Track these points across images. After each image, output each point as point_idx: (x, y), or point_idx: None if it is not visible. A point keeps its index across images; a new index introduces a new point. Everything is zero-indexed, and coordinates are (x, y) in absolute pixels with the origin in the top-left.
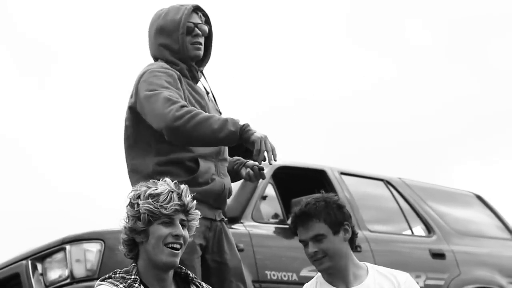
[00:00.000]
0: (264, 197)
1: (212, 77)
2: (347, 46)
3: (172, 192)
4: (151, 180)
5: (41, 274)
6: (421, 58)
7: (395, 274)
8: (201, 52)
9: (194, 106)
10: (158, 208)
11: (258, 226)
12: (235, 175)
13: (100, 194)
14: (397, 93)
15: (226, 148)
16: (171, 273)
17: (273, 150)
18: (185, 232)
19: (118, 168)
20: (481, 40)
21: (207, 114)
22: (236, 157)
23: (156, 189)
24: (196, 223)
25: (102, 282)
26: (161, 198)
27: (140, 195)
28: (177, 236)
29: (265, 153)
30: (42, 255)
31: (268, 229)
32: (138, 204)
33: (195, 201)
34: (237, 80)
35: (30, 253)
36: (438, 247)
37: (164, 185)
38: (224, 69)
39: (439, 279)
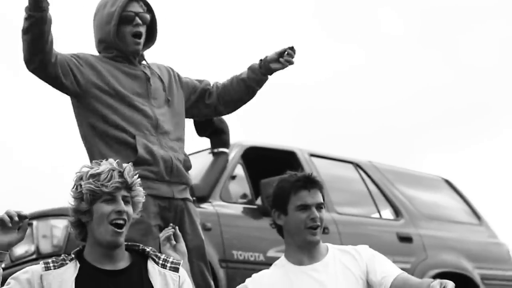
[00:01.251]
0: (233, 177)
1: (187, 58)
2: (317, 33)
3: (113, 170)
4: (94, 161)
5: None
6: (393, 47)
7: (354, 247)
8: (140, 46)
9: (117, 87)
10: (99, 187)
11: (226, 206)
12: (245, 89)
13: (68, 171)
14: (368, 80)
15: (167, 121)
16: (120, 250)
17: None
18: (128, 208)
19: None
20: (453, 31)
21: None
22: (236, 76)
23: (97, 169)
24: (140, 199)
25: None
26: (102, 176)
27: (83, 176)
28: (119, 212)
29: None
30: None
31: (236, 209)
32: (80, 185)
33: (138, 179)
34: (211, 61)
35: None
36: (406, 230)
37: (106, 164)
38: (198, 50)
39: (406, 262)
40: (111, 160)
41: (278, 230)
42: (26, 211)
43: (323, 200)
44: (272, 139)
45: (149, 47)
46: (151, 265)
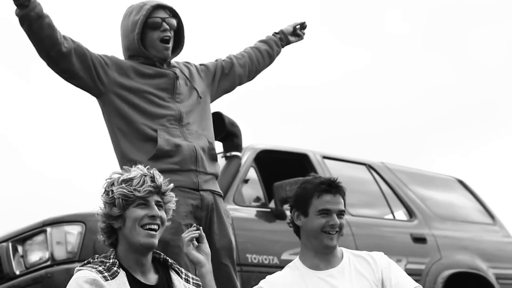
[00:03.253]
0: (246, 181)
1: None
2: (324, 36)
3: (145, 175)
4: (124, 167)
5: (22, 256)
6: (399, 47)
7: (370, 253)
8: (169, 52)
9: (140, 86)
10: (132, 192)
11: (239, 210)
12: (269, 60)
13: (80, 177)
14: (376, 81)
15: (192, 114)
16: (149, 257)
17: None
18: (161, 213)
19: (99, 151)
20: (459, 30)
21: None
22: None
23: (129, 175)
24: (172, 206)
25: (82, 268)
26: (135, 182)
27: (114, 182)
28: (153, 217)
29: None
30: (22, 237)
31: (250, 213)
32: (112, 191)
33: (171, 185)
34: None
35: (10, 235)
36: (420, 231)
37: (137, 170)
38: (203, 52)
39: (420, 263)
40: (141, 166)
41: (295, 230)
42: (37, 217)
43: (345, 206)
44: (282, 141)
45: (178, 53)
46: (175, 277)
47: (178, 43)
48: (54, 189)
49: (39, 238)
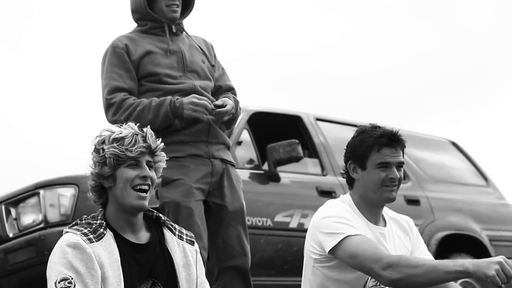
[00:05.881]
0: (239, 143)
1: (192, 25)
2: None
3: (137, 134)
4: (114, 125)
5: (15, 219)
6: (387, 13)
7: (404, 218)
8: (177, 14)
9: (152, 69)
10: (123, 152)
11: None
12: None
13: (72, 143)
14: (363, 47)
15: (204, 90)
16: (140, 216)
17: (205, 106)
18: (152, 173)
19: (90, 117)
20: None
21: (141, 104)
22: None
23: (120, 133)
24: (163, 165)
25: (68, 230)
26: (126, 141)
27: (105, 140)
28: (144, 178)
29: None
30: (15, 200)
31: (243, 175)
32: (103, 150)
33: (161, 143)
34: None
35: (3, 198)
36: (413, 193)
37: (128, 128)
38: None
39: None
40: (131, 124)
41: (348, 181)
42: (29, 182)
43: (403, 157)
44: (276, 104)
45: (187, 15)
46: (168, 235)
47: (188, 6)
48: (46, 156)
49: (32, 200)
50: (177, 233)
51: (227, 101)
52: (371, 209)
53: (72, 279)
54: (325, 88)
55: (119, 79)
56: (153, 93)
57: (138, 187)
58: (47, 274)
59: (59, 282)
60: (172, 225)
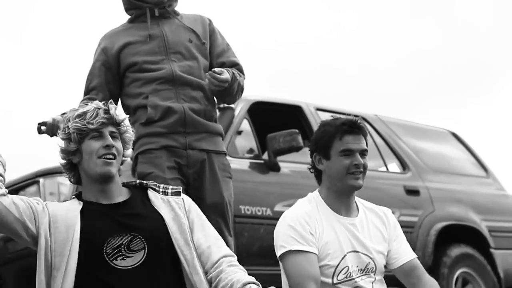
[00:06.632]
0: (239, 132)
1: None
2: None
3: (99, 109)
4: (80, 104)
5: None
6: (387, 9)
7: (381, 208)
8: None
9: (133, 59)
10: (85, 125)
11: (233, 161)
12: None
13: None
14: (363, 43)
15: (189, 72)
16: (115, 185)
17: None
18: (117, 144)
19: None
20: None
21: None
22: None
23: (83, 109)
24: (129, 136)
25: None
26: (88, 115)
27: (70, 118)
28: (107, 147)
29: None
30: (15, 188)
31: (243, 164)
32: (68, 127)
33: (125, 116)
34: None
35: None
36: (413, 183)
37: (91, 105)
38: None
39: (413, 215)
40: (96, 101)
41: (316, 174)
42: (25, 173)
43: (366, 145)
44: (277, 93)
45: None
46: (152, 194)
47: None
48: (47, 147)
49: (32, 189)
50: (161, 190)
51: (224, 72)
52: (340, 199)
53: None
54: (325, 82)
55: (88, 80)
56: (136, 83)
57: (103, 157)
58: None
59: None
60: (155, 185)
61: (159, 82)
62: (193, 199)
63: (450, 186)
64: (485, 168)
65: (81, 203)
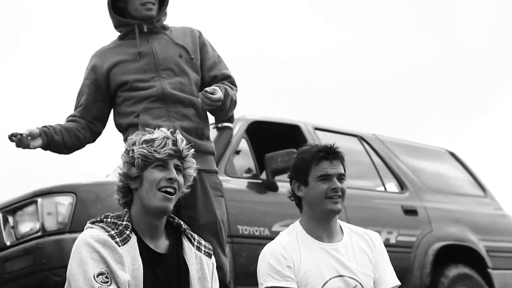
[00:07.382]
0: (237, 152)
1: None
2: (306, 12)
3: (167, 138)
4: (147, 129)
5: (12, 227)
6: (383, 24)
7: (368, 232)
8: (153, 12)
9: (123, 78)
10: (151, 153)
11: (231, 181)
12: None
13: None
14: (358, 57)
15: (181, 89)
16: (163, 221)
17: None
18: (179, 178)
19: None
20: (446, 5)
21: None
22: None
23: (151, 136)
24: (191, 172)
25: (93, 225)
26: (156, 143)
27: (136, 142)
28: (170, 180)
29: None
30: (13, 208)
31: (241, 184)
32: (133, 150)
33: (192, 150)
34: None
35: (1, 206)
36: (411, 203)
37: (160, 132)
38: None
39: (411, 235)
40: (164, 129)
41: (297, 203)
42: (27, 191)
43: (344, 171)
44: (270, 114)
45: (163, 11)
46: (187, 245)
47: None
48: (44, 164)
49: (30, 209)
50: (195, 243)
51: (217, 91)
52: (320, 225)
53: (108, 274)
54: (322, 98)
55: (78, 97)
56: (127, 102)
57: (164, 189)
58: (73, 270)
59: (97, 276)
60: (191, 235)
61: (150, 101)
62: (184, 220)
63: (448, 206)
64: (483, 188)
65: (136, 240)
